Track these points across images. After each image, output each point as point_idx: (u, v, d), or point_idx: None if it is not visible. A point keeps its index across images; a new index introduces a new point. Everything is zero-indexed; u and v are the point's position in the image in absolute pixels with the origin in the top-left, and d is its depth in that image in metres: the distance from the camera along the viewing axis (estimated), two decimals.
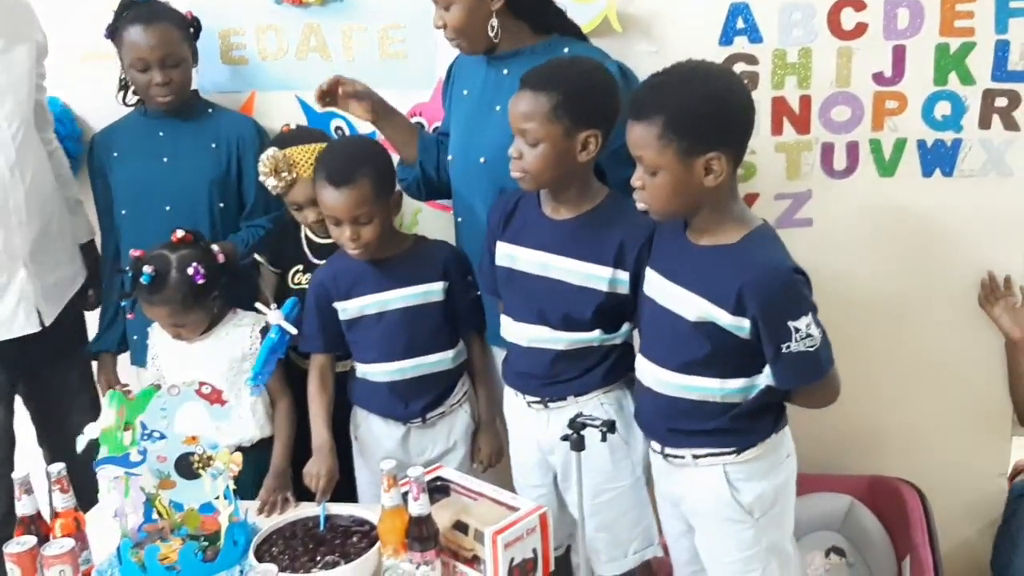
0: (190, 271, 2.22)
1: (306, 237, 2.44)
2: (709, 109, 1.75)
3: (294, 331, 2.22)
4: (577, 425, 1.83)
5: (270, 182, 2.31)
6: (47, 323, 2.46)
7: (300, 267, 2.44)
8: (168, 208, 2.47)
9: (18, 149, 2.35)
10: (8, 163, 2.34)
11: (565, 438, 1.84)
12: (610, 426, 1.81)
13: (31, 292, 2.42)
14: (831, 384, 1.86)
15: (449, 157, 2.31)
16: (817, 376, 1.81)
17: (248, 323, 2.33)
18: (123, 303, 2.46)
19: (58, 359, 2.58)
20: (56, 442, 2.62)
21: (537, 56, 2.10)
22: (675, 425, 1.90)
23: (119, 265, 2.52)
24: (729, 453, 1.87)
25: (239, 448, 2.17)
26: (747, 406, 1.86)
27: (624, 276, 2.00)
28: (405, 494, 1.79)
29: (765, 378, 1.84)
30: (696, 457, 1.90)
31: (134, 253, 2.28)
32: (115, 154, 2.54)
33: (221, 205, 2.51)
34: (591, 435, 1.81)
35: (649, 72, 2.35)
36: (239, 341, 2.31)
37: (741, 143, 1.81)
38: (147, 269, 2.19)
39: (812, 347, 1.76)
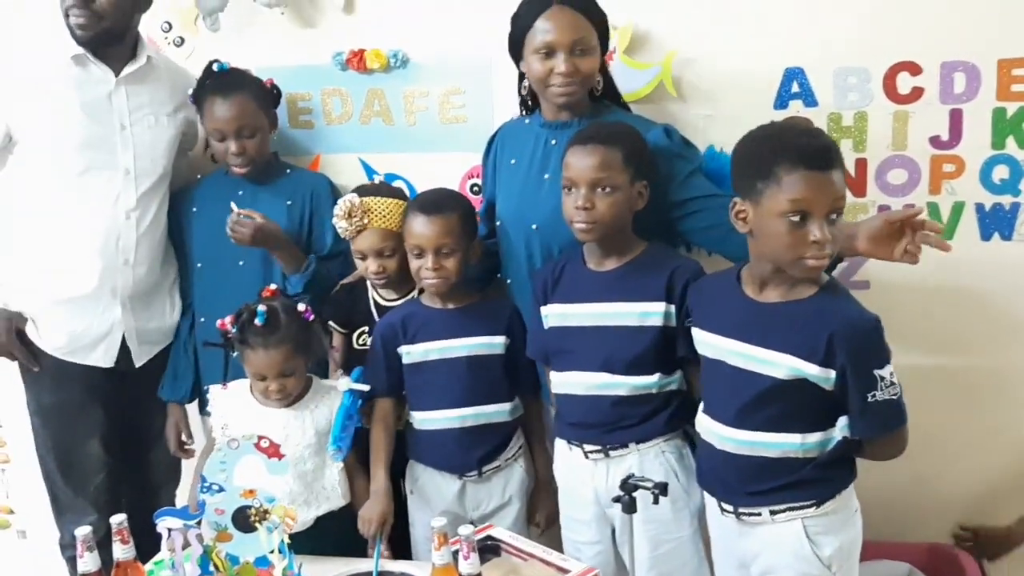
0: (300, 307, 2.27)
1: (374, 300, 2.47)
2: None
3: (366, 388, 2.26)
4: (628, 487, 1.83)
5: (341, 224, 2.37)
6: (137, 365, 2.59)
7: (366, 329, 2.47)
8: (242, 263, 2.54)
9: (139, 198, 2.51)
10: (126, 208, 2.49)
11: (616, 499, 1.85)
12: (662, 488, 1.81)
13: (122, 331, 2.54)
14: (905, 434, 1.87)
15: (498, 223, 2.38)
16: (899, 424, 1.84)
17: (335, 395, 2.31)
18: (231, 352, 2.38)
19: (146, 400, 2.67)
20: (135, 481, 2.73)
21: (583, 128, 2.17)
22: (754, 485, 1.90)
23: (192, 316, 2.63)
24: (808, 506, 1.87)
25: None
26: (825, 458, 1.86)
27: (674, 309, 2.06)
28: (456, 552, 1.80)
29: (840, 431, 1.85)
30: (774, 513, 1.89)
31: (222, 323, 2.31)
32: (194, 209, 2.63)
33: None
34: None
35: (705, 135, 2.42)
36: (327, 414, 2.29)
37: None
38: (261, 308, 2.23)
39: (896, 395, 1.80)
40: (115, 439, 2.67)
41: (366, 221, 2.36)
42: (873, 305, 2.36)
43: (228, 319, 2.29)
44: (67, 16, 2.39)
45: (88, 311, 2.52)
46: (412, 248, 2.25)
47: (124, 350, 2.58)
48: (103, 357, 2.55)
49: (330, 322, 2.50)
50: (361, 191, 2.43)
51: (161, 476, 2.79)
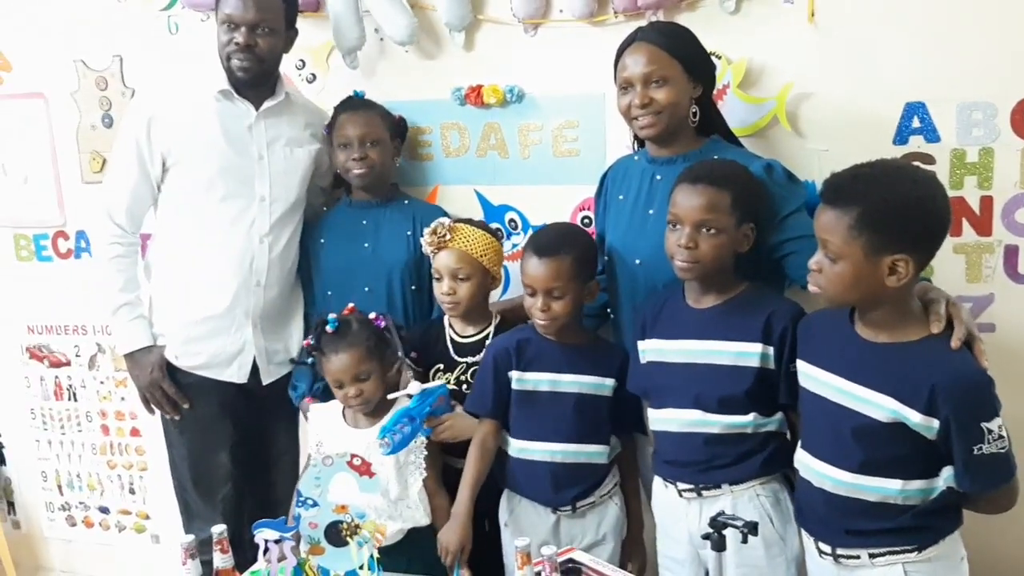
0: (371, 316, 2.41)
1: (451, 338, 2.52)
2: (906, 212, 1.74)
3: (439, 383, 2.33)
4: (718, 524, 1.81)
5: (426, 239, 2.47)
6: (265, 383, 2.73)
7: (441, 366, 2.51)
8: (367, 289, 2.65)
9: (272, 225, 2.66)
10: (260, 233, 2.65)
11: (706, 537, 1.83)
12: (752, 528, 1.78)
13: (253, 349, 2.69)
14: (1016, 488, 1.80)
15: (606, 257, 2.39)
16: (1008, 478, 1.77)
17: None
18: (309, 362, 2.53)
19: (271, 420, 2.83)
20: (258, 497, 2.85)
21: (689, 164, 2.16)
22: (853, 525, 1.85)
23: None
24: (910, 551, 1.82)
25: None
26: (927, 506, 1.81)
27: (772, 352, 2.03)
28: (538, 573, 1.81)
29: (944, 481, 1.79)
30: (873, 556, 1.84)
31: (307, 341, 2.45)
32: (322, 241, 2.75)
33: (413, 287, 2.67)
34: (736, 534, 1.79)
35: (820, 171, 2.36)
36: None
37: (930, 250, 1.79)
38: (331, 316, 2.38)
39: (1003, 449, 1.73)
40: (241, 453, 2.81)
41: (448, 238, 2.44)
42: (997, 350, 2.27)
43: (310, 338, 2.43)
44: (228, 59, 2.57)
45: (222, 329, 2.67)
46: (525, 287, 2.28)
47: (254, 368, 2.72)
48: (237, 373, 2.70)
49: (406, 359, 2.52)
50: (455, 219, 2.52)
51: (281, 494, 2.89)
